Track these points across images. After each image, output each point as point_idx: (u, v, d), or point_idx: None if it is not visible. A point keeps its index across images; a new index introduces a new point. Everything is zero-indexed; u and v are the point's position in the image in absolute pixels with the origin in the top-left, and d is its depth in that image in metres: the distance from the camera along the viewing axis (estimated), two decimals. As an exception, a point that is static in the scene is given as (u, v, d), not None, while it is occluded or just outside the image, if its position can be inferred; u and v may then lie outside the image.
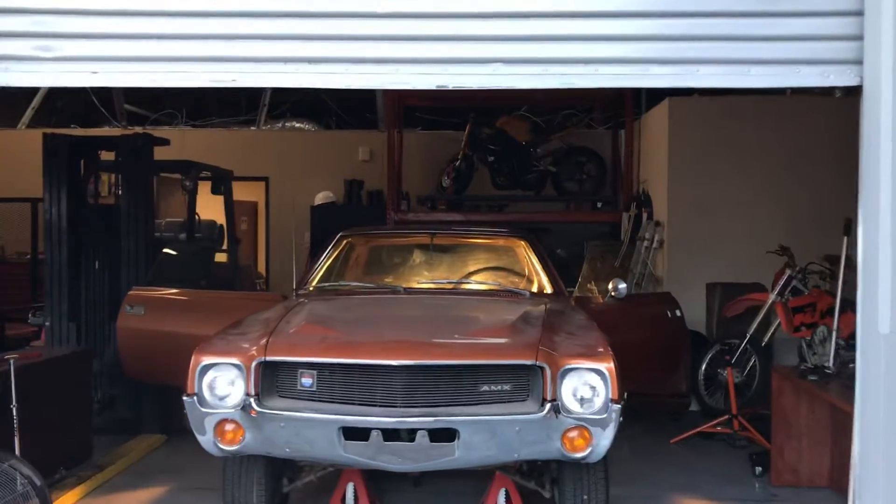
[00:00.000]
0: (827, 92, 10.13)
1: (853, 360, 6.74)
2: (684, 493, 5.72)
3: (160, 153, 7.40)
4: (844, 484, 5.61)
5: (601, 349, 3.92)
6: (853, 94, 9.70)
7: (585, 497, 4.23)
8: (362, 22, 3.59)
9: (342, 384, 3.87)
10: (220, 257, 8.80)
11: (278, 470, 4.51)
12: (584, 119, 10.94)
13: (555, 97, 10.85)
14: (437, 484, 5.59)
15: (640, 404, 6.85)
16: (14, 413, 4.83)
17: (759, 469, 6.10)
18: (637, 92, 9.80)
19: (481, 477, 4.78)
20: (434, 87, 3.64)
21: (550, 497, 4.53)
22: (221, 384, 3.89)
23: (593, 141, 10.59)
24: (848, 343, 7.11)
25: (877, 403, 3.98)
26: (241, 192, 9.08)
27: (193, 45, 3.69)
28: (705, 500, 5.63)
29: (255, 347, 3.92)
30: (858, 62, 3.89)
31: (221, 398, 3.88)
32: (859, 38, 3.86)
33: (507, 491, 4.52)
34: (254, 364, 3.85)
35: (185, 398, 3.91)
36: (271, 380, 3.95)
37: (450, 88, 3.62)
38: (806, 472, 5.85)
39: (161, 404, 6.90)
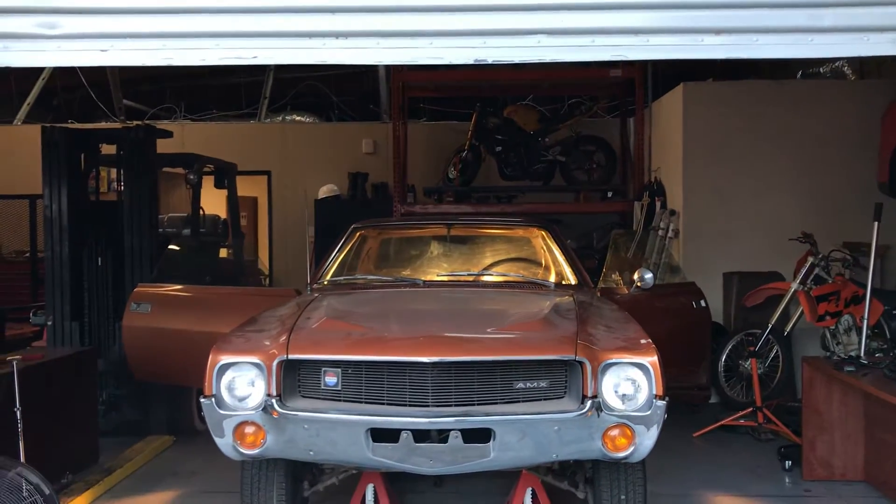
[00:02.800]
0: (840, 75, 9.98)
1: (881, 350, 6.64)
2: (714, 489, 5.55)
3: (162, 146, 7.19)
4: (880, 477, 5.46)
5: (643, 342, 3.72)
6: (865, 76, 9.54)
7: (623, 497, 4.02)
8: (393, -9, 3.33)
9: (369, 383, 3.65)
10: (222, 252, 8.60)
11: (299, 473, 4.30)
12: (592, 108, 10.71)
13: (562, 85, 10.66)
14: (459, 483, 5.40)
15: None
16: (18, 417, 4.63)
17: (788, 463, 5.93)
18: (647, 78, 9.59)
19: (506, 476, 4.56)
20: (472, 62, 3.37)
21: (584, 498, 4.32)
22: (241, 384, 3.67)
23: (601, 130, 10.39)
24: (873, 332, 6.95)
25: None
26: (241, 186, 8.87)
27: (211, 20, 3.39)
28: (736, 495, 5.46)
29: (275, 345, 3.70)
30: None
31: (241, 399, 3.66)
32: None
33: (533, 490, 4.32)
34: (275, 363, 3.63)
35: (202, 400, 3.69)
36: (293, 379, 3.73)
37: (489, 63, 3.38)
38: (839, 465, 5.68)
39: (169, 404, 6.74)
